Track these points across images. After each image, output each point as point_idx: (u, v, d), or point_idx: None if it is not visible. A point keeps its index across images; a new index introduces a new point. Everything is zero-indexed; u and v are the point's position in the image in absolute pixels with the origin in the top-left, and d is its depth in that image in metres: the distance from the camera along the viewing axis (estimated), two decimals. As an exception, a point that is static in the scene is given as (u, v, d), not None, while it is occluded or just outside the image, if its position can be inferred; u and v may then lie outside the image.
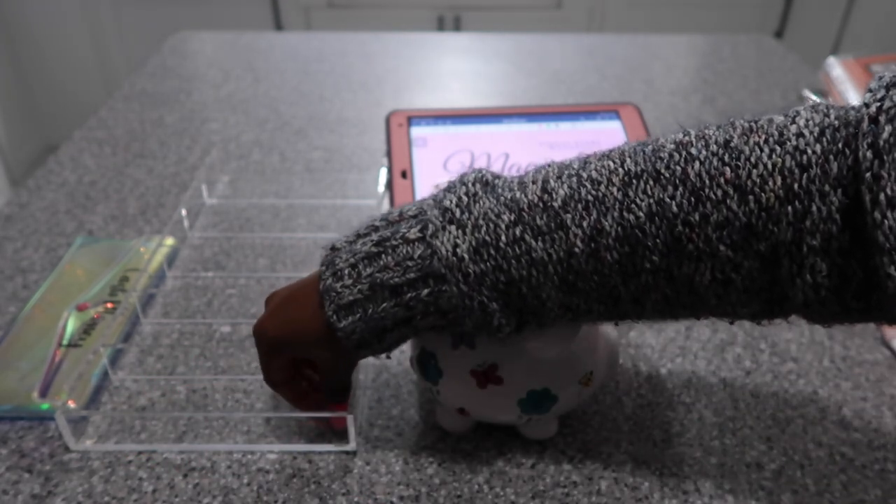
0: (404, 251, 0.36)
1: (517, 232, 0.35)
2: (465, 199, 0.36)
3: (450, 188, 0.38)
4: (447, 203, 0.37)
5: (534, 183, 0.36)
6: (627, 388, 0.52)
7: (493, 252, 0.35)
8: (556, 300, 0.36)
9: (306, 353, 0.41)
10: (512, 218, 0.35)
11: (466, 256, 0.35)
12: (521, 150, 0.72)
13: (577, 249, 0.34)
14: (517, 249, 0.35)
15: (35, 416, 0.48)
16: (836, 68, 0.82)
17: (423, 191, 0.67)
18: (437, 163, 0.71)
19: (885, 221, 0.28)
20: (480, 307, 0.36)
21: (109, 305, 0.58)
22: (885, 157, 0.28)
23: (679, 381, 0.52)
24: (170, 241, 0.66)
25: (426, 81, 1.06)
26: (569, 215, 0.34)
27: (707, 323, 0.58)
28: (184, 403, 0.50)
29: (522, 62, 1.13)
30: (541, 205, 0.35)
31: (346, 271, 0.38)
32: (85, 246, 0.66)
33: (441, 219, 0.36)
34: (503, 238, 0.35)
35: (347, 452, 0.46)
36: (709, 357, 0.54)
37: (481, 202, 0.36)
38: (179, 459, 0.46)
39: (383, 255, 0.37)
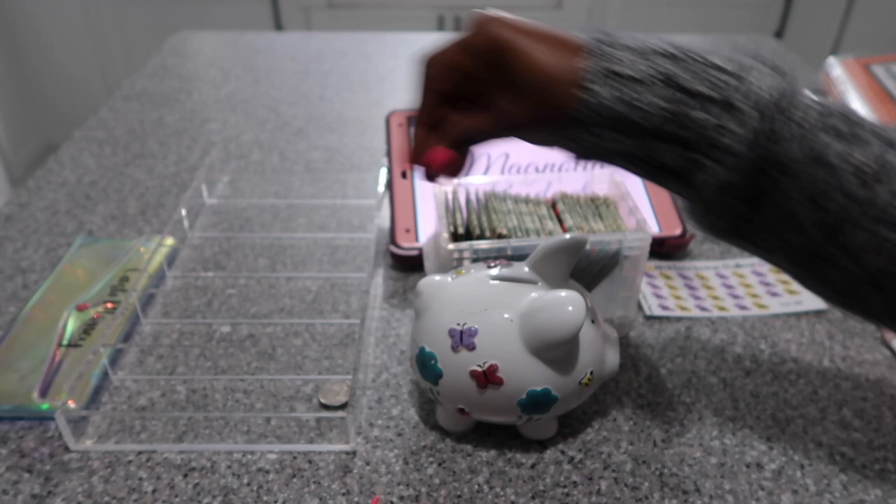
0: (709, 70, 0.33)
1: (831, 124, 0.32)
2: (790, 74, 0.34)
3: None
4: (776, 63, 0.34)
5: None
6: (627, 388, 0.52)
7: (796, 124, 0.32)
8: (811, 219, 0.33)
9: (514, 81, 0.35)
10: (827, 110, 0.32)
11: (775, 104, 0.32)
12: (521, 150, 0.72)
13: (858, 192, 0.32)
14: (816, 144, 0.32)
15: (35, 416, 0.48)
16: (836, 68, 0.82)
17: (424, 191, 0.67)
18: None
19: None
20: (752, 166, 0.32)
21: (109, 305, 0.58)
22: None
23: (679, 381, 0.52)
24: (170, 241, 0.66)
25: (426, 81, 1.06)
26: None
27: (707, 323, 0.58)
28: (184, 403, 0.50)
29: (522, 62, 1.13)
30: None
31: (630, 49, 0.34)
32: (85, 246, 0.66)
33: (761, 62, 0.33)
34: (812, 115, 0.32)
35: (347, 452, 0.46)
36: (709, 357, 0.54)
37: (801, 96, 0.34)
38: (179, 459, 0.46)
39: (682, 61, 0.33)
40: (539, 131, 0.37)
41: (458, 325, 0.42)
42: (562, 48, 0.35)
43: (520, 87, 0.36)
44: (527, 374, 0.41)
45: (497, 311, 0.41)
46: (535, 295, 0.41)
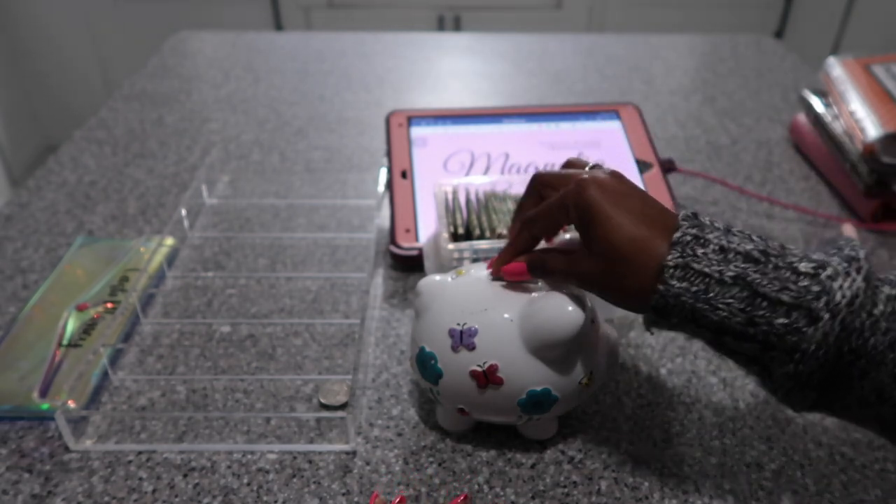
0: (787, 274, 0.34)
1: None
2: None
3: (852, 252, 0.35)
4: (853, 253, 0.34)
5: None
6: (627, 388, 0.52)
7: (872, 317, 0.32)
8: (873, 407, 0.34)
9: (603, 246, 0.37)
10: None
11: (849, 304, 0.32)
12: (521, 150, 0.72)
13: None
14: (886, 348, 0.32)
15: (35, 416, 0.48)
16: (836, 68, 0.82)
17: (424, 191, 0.67)
18: (437, 163, 0.71)
19: None
20: (827, 360, 0.33)
21: (109, 305, 0.58)
22: None
23: (679, 381, 0.52)
24: (170, 241, 0.66)
25: (426, 81, 1.06)
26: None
27: (707, 323, 0.58)
28: (184, 403, 0.50)
29: (522, 62, 1.13)
30: None
31: (713, 245, 0.35)
32: (85, 246, 0.66)
33: (846, 265, 0.33)
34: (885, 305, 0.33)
35: (347, 452, 0.46)
36: (709, 357, 0.54)
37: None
38: (179, 459, 0.46)
39: (762, 264, 0.34)
40: (616, 301, 0.39)
41: (458, 325, 0.42)
42: (650, 229, 0.37)
43: (601, 255, 0.38)
44: (527, 374, 0.41)
45: (497, 311, 0.41)
46: (535, 295, 0.41)
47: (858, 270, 0.33)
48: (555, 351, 0.41)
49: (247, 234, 0.69)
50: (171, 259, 0.65)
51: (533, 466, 0.45)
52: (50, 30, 2.18)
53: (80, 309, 0.58)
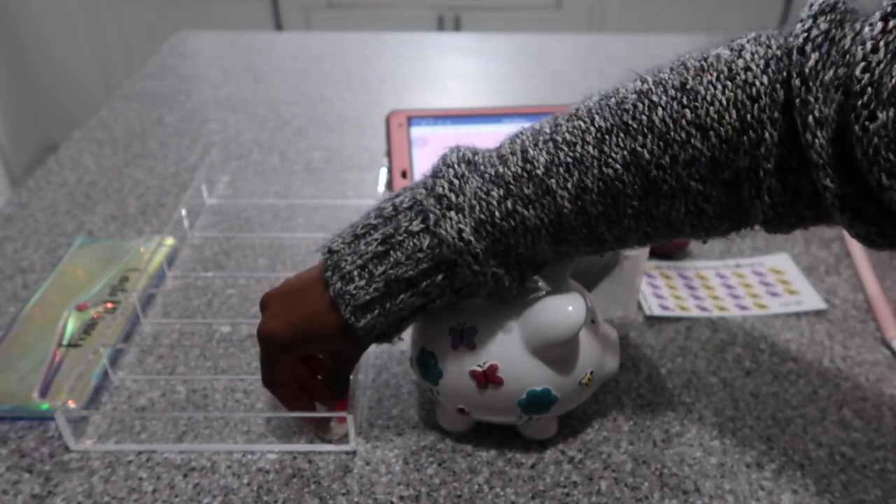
0: (411, 244, 0.38)
1: (509, 205, 0.37)
2: (455, 182, 0.38)
3: (437, 173, 0.39)
4: (440, 190, 0.38)
5: (513, 154, 0.37)
6: (627, 388, 0.52)
7: (490, 228, 0.37)
8: (550, 251, 0.39)
9: (320, 349, 0.44)
10: (501, 193, 0.37)
11: (472, 238, 0.37)
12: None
13: (565, 210, 0.36)
14: (512, 221, 0.37)
15: (35, 416, 0.48)
16: (836, 68, 0.82)
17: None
18: (437, 163, 0.71)
19: (816, 140, 0.31)
20: (493, 278, 0.38)
21: (109, 305, 0.58)
22: (811, 84, 0.31)
23: (679, 381, 0.52)
24: (170, 241, 0.66)
25: (426, 81, 1.06)
26: (552, 180, 0.36)
27: (707, 323, 0.58)
28: (184, 403, 0.50)
29: (522, 62, 1.13)
30: (525, 175, 0.37)
31: (356, 273, 0.39)
32: (85, 246, 0.66)
33: (439, 206, 0.37)
34: (497, 213, 0.37)
35: (347, 452, 0.46)
36: (709, 357, 0.54)
37: (470, 182, 0.38)
38: (179, 459, 0.46)
39: (392, 252, 0.38)
40: (366, 346, 0.44)
41: (459, 324, 0.42)
42: (312, 301, 0.41)
43: (305, 333, 0.41)
44: (527, 374, 0.41)
45: (497, 311, 0.41)
46: (535, 295, 0.41)
47: (449, 207, 0.37)
48: (555, 351, 0.41)
49: (247, 234, 0.69)
50: (171, 259, 0.65)
51: (533, 466, 0.45)
52: (50, 30, 2.18)
53: (80, 309, 0.58)
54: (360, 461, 0.46)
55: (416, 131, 0.74)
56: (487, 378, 0.41)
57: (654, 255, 0.65)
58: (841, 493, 0.44)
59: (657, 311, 0.58)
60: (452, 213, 0.37)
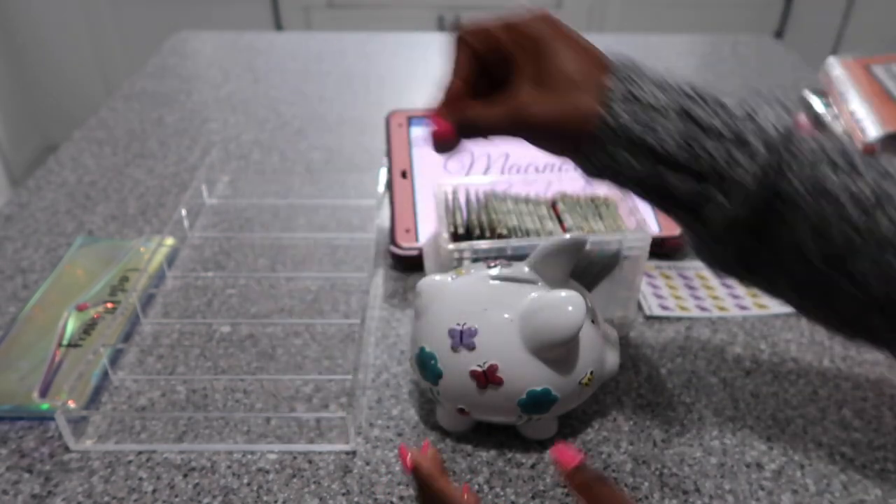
0: (722, 112, 0.34)
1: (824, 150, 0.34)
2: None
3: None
4: (782, 100, 0.35)
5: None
6: (627, 388, 0.52)
7: (799, 159, 0.33)
8: (816, 250, 0.34)
9: (541, 76, 0.36)
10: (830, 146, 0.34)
11: (781, 140, 0.33)
12: (521, 150, 0.72)
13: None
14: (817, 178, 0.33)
15: (35, 416, 0.48)
16: (836, 68, 0.82)
17: (424, 191, 0.67)
18: (436, 162, 0.71)
19: None
20: (760, 199, 0.34)
21: (109, 305, 0.58)
22: None
23: (679, 381, 0.52)
24: (170, 241, 0.66)
25: (426, 81, 1.06)
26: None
27: (707, 323, 0.58)
28: (184, 403, 0.50)
29: (522, 62, 1.13)
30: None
31: (652, 78, 0.36)
32: (85, 246, 0.66)
33: (777, 107, 0.35)
34: (813, 149, 0.34)
35: (347, 452, 0.46)
36: (709, 357, 0.54)
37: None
38: (179, 459, 0.46)
39: (695, 99, 0.35)
40: (552, 140, 0.37)
41: (459, 325, 0.42)
42: (593, 62, 0.36)
43: (546, 84, 0.36)
44: (527, 374, 0.41)
45: (497, 312, 0.41)
46: (535, 295, 0.41)
47: (787, 112, 0.34)
48: (555, 351, 0.41)
49: (247, 234, 0.69)
50: (171, 259, 0.65)
51: (533, 466, 0.45)
52: (50, 30, 2.18)
53: (80, 309, 0.58)
54: (360, 461, 0.46)
55: (416, 131, 0.74)
56: (487, 378, 0.41)
57: (654, 255, 0.65)
58: (841, 493, 0.44)
59: (657, 311, 0.58)
60: (778, 108, 0.35)
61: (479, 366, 0.41)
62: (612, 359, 0.45)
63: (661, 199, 0.36)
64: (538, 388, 0.41)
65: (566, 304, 0.40)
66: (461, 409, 0.44)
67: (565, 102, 0.35)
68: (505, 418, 0.44)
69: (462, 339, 0.41)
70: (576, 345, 0.41)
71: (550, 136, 0.37)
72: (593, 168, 0.37)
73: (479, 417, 0.45)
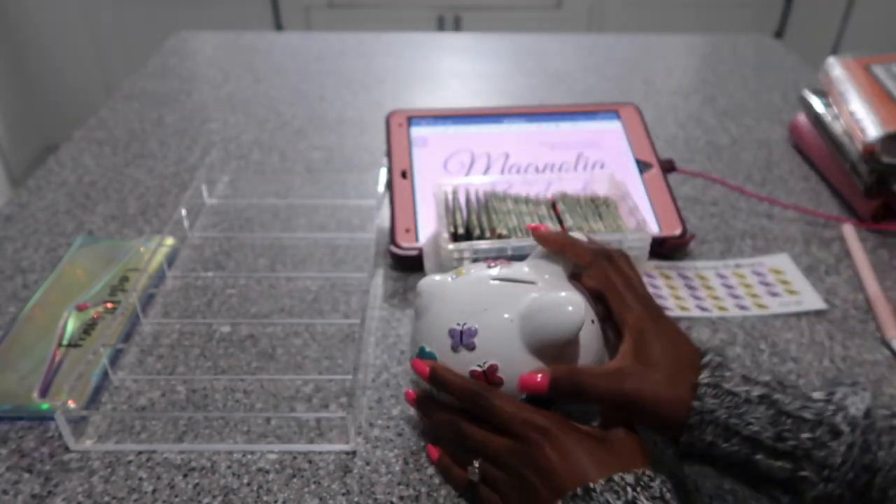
0: (804, 398, 0.37)
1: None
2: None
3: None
4: (856, 380, 0.40)
5: None
6: (627, 388, 0.51)
7: (882, 434, 0.36)
8: None
9: (651, 358, 0.40)
10: None
11: (864, 419, 0.36)
12: (521, 150, 0.72)
13: None
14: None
15: (35, 416, 0.48)
16: (836, 68, 0.82)
17: (424, 191, 0.67)
18: (437, 163, 0.71)
19: None
20: (846, 484, 0.35)
21: (109, 305, 0.58)
22: None
23: (679, 381, 0.52)
24: (170, 241, 0.66)
25: (426, 81, 1.06)
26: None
27: (707, 323, 0.58)
28: (184, 403, 0.50)
29: (522, 62, 1.13)
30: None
31: (737, 371, 0.39)
32: (85, 246, 0.66)
33: (853, 387, 0.38)
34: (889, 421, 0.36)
35: (347, 452, 0.46)
36: (709, 357, 0.54)
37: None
38: (179, 459, 0.46)
39: (781, 390, 0.38)
40: (651, 420, 0.40)
41: (458, 325, 0.42)
42: (687, 351, 0.41)
43: (649, 364, 0.40)
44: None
45: (497, 312, 0.41)
46: (535, 295, 0.41)
47: (865, 389, 0.38)
48: (555, 351, 0.41)
49: (247, 234, 0.69)
50: (171, 259, 0.65)
51: (533, 466, 0.45)
52: (50, 30, 2.18)
53: (80, 309, 0.58)
54: (360, 461, 0.46)
55: (416, 131, 0.74)
56: (487, 378, 0.41)
57: (654, 255, 0.65)
58: (841, 493, 0.44)
59: (657, 311, 0.58)
60: (866, 395, 0.38)
61: (479, 366, 0.41)
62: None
63: (756, 480, 0.38)
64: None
65: (566, 304, 0.40)
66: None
67: (667, 387, 0.39)
68: None
69: (462, 340, 0.41)
70: (576, 344, 0.41)
71: (650, 417, 0.40)
72: (692, 452, 0.39)
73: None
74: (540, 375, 0.40)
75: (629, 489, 0.35)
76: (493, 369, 0.41)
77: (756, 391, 0.38)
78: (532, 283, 0.43)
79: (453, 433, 0.43)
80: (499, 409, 0.40)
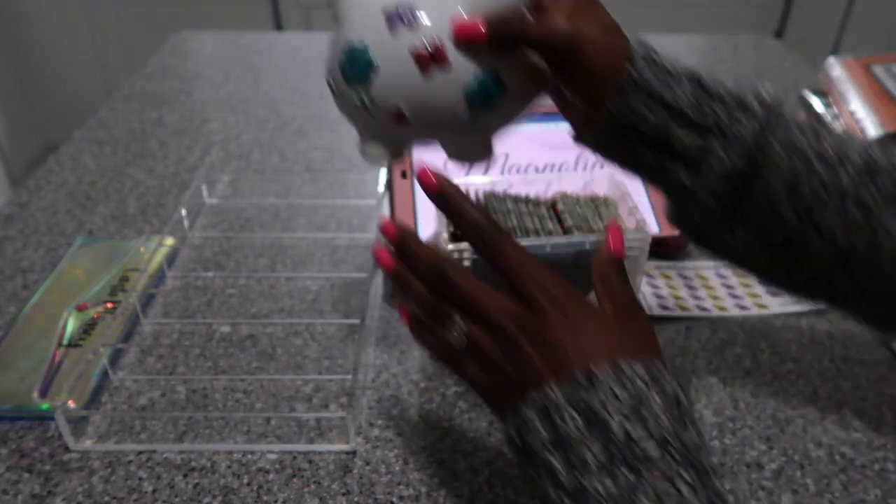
0: (723, 83, 0.40)
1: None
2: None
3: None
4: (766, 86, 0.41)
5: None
6: (627, 388, 0.51)
7: (782, 121, 0.39)
8: (788, 204, 0.38)
9: (574, 71, 0.39)
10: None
11: (772, 103, 0.39)
12: (521, 150, 0.72)
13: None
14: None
15: (35, 416, 0.48)
16: (836, 68, 0.82)
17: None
18: (437, 163, 0.71)
19: None
20: (749, 154, 0.38)
21: (109, 305, 0.58)
22: None
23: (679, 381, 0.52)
24: (170, 241, 0.66)
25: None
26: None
27: (707, 323, 0.58)
28: (184, 403, 0.50)
29: (522, 62, 1.13)
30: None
31: (664, 53, 0.40)
32: (85, 246, 0.66)
33: (764, 86, 0.41)
34: (788, 113, 0.40)
35: (347, 452, 0.46)
36: (709, 357, 0.54)
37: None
38: (179, 459, 0.46)
39: (704, 74, 0.40)
40: (585, 77, 0.40)
41: (395, 4, 0.38)
42: (615, 33, 0.40)
43: (577, 70, 0.39)
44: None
45: None
46: None
47: (775, 90, 0.40)
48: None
49: (247, 234, 0.69)
50: (171, 259, 0.65)
51: (533, 466, 0.45)
52: (50, 30, 2.18)
53: (80, 309, 0.58)
54: (360, 461, 0.46)
55: (416, 131, 0.73)
56: (433, 59, 0.37)
57: (654, 255, 0.65)
58: (841, 493, 0.44)
59: (657, 311, 0.58)
60: (769, 85, 0.41)
61: (422, 45, 0.37)
62: None
63: (663, 155, 0.40)
64: (488, 72, 0.38)
65: None
66: (398, 112, 0.39)
67: (605, 36, 0.39)
68: (449, 118, 0.39)
69: (401, 16, 0.37)
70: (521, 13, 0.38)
71: (587, 69, 0.39)
72: (607, 129, 0.40)
73: (419, 118, 0.40)
74: (478, 20, 0.37)
75: (640, 383, 0.31)
76: (438, 50, 0.37)
77: (683, 69, 0.40)
78: None
79: (435, 280, 0.36)
80: (514, 258, 0.35)
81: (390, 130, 0.41)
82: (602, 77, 0.39)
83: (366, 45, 0.38)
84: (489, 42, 0.37)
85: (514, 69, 0.39)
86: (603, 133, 0.41)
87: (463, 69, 0.38)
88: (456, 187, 0.37)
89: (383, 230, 0.38)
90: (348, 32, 0.39)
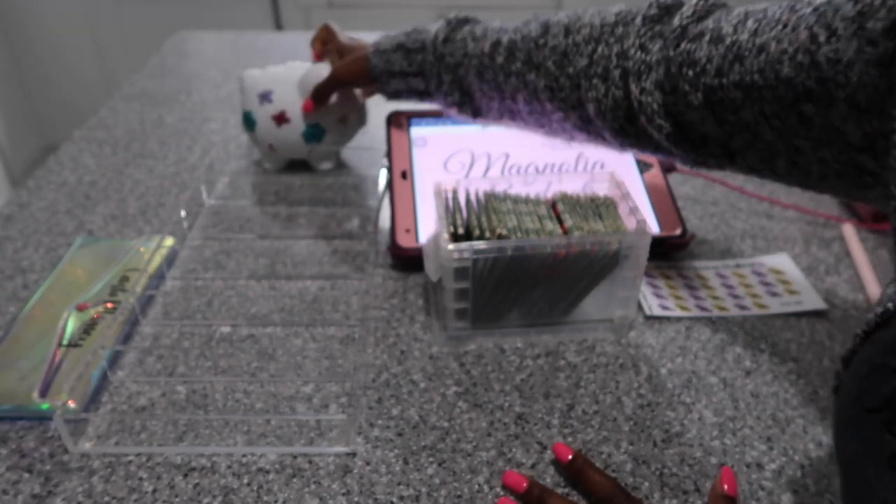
0: (419, 36, 0.65)
1: (465, 36, 0.62)
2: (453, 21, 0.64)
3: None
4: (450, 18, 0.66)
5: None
6: (627, 388, 0.52)
7: (450, 45, 0.62)
8: (476, 86, 0.60)
9: (352, 81, 0.70)
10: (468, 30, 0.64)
11: (443, 38, 0.62)
12: (521, 150, 0.72)
13: (485, 50, 0.59)
14: (462, 46, 0.62)
15: (35, 416, 0.48)
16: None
17: (424, 191, 0.67)
18: (437, 163, 0.71)
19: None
20: (437, 77, 0.62)
21: (109, 305, 0.58)
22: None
23: (679, 381, 0.52)
24: (169, 241, 0.66)
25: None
26: (488, 38, 0.61)
27: (707, 323, 0.58)
28: (184, 404, 0.50)
29: (522, 62, 1.13)
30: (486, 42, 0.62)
31: (386, 41, 0.67)
32: (85, 246, 0.66)
33: (443, 24, 0.64)
34: (457, 35, 0.63)
35: (347, 453, 0.46)
36: (709, 357, 0.55)
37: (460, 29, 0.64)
38: (179, 460, 0.46)
39: (407, 37, 0.66)
40: (355, 82, 0.70)
41: (263, 91, 0.72)
42: (356, 51, 0.71)
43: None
44: (303, 116, 0.72)
45: (285, 80, 0.72)
46: (304, 68, 0.72)
47: (449, 24, 0.65)
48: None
49: (246, 235, 0.69)
50: (170, 259, 0.65)
51: (533, 466, 0.45)
52: (50, 30, 2.18)
53: (80, 309, 0.57)
54: (360, 461, 0.46)
55: (416, 131, 0.74)
56: (281, 119, 0.71)
57: (654, 255, 0.65)
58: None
59: (657, 311, 0.58)
60: (442, 24, 0.65)
61: (276, 112, 0.71)
62: (362, 111, 0.76)
63: (416, 95, 0.67)
64: (312, 123, 0.72)
65: (319, 68, 0.70)
66: (271, 146, 0.73)
67: (352, 63, 0.69)
68: (296, 149, 0.74)
69: (265, 96, 0.71)
70: (334, 99, 0.71)
71: (352, 81, 0.70)
72: (388, 96, 0.69)
73: (282, 150, 0.74)
74: (308, 101, 0.71)
75: None
76: (283, 113, 0.71)
77: (393, 46, 0.66)
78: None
79: None
80: None
81: (269, 155, 0.77)
82: (359, 74, 0.68)
83: (250, 111, 0.73)
84: (315, 108, 0.71)
85: (328, 118, 0.73)
86: (388, 96, 0.69)
87: (298, 123, 0.72)
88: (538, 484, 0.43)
89: (508, 483, 0.43)
90: (243, 105, 0.74)
